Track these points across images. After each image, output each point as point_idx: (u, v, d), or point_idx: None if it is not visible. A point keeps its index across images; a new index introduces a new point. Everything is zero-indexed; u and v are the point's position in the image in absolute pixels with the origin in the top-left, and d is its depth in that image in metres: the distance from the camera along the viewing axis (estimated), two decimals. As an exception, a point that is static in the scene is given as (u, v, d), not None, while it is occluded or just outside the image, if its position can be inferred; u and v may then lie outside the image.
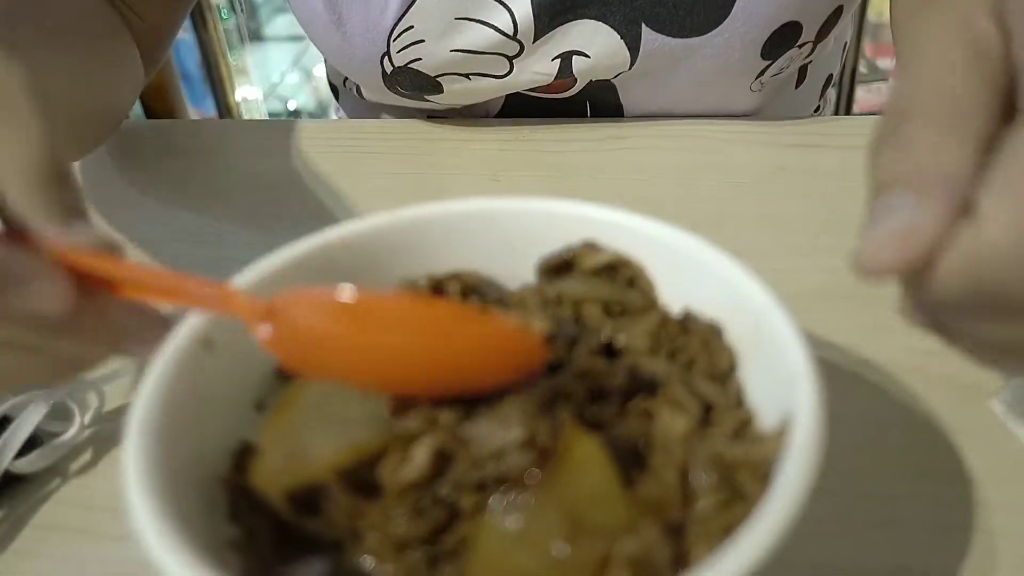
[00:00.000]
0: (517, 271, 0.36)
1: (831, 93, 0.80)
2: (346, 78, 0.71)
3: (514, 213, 0.36)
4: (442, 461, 0.27)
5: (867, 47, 2.03)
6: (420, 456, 0.27)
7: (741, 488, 0.28)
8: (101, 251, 0.28)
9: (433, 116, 0.69)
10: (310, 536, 0.28)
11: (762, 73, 0.62)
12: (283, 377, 0.32)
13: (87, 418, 0.41)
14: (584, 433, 0.28)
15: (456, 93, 0.63)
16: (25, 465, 0.38)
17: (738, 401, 0.32)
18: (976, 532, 0.34)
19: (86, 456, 0.41)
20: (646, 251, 0.34)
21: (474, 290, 0.35)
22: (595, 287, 0.34)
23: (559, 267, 0.35)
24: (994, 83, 0.23)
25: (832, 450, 0.37)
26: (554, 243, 0.35)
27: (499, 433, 0.27)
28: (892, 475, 0.37)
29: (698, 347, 0.32)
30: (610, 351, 0.33)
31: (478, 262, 0.36)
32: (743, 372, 0.32)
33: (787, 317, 0.29)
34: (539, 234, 0.36)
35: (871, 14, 1.89)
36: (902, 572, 0.33)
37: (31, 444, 0.39)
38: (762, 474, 0.27)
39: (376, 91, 0.67)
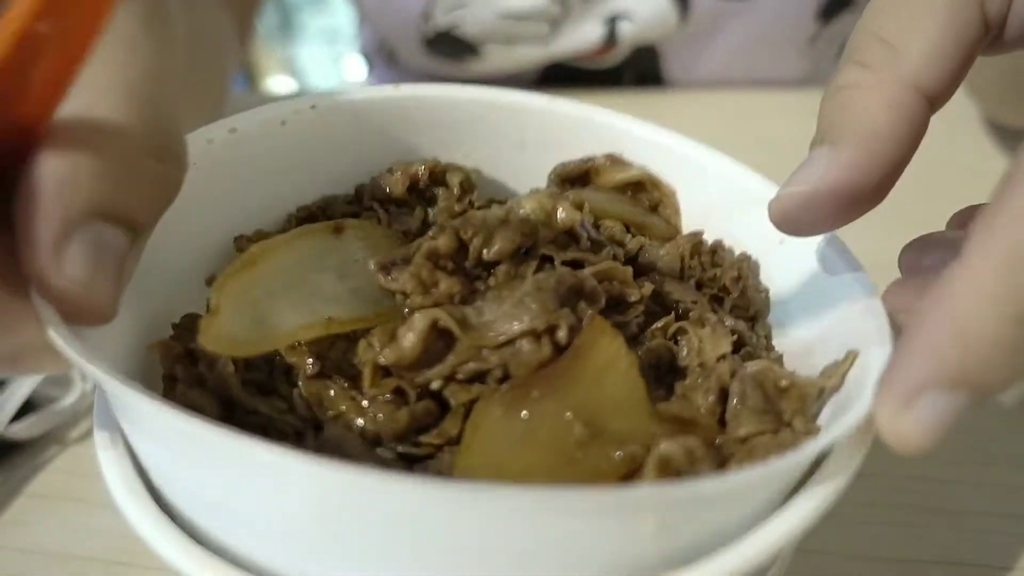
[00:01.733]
0: (528, 174, 0.33)
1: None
2: (381, 44, 0.70)
3: (530, 109, 0.33)
4: (438, 343, 0.23)
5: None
6: (413, 332, 0.22)
7: (786, 417, 0.24)
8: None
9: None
10: (261, 425, 0.23)
11: (815, 38, 0.59)
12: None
13: (88, 385, 0.39)
14: (612, 331, 0.24)
15: (495, 59, 0.61)
16: (20, 431, 0.36)
17: (768, 344, 0.28)
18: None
19: (86, 424, 0.39)
20: (675, 171, 0.31)
21: (471, 190, 0.31)
22: (616, 203, 0.30)
23: (576, 178, 0.32)
24: (968, 24, 0.23)
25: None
26: (570, 151, 0.32)
27: (511, 318, 0.23)
28: (948, 459, 0.34)
29: (730, 282, 0.29)
30: (635, 267, 0.29)
31: (483, 155, 0.33)
32: (784, 306, 0.29)
33: (843, 247, 0.26)
34: (555, 137, 0.32)
35: None
36: (956, 564, 0.30)
37: (28, 410, 0.37)
38: (812, 407, 0.24)
39: (414, 53, 0.65)
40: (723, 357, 0.26)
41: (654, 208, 0.31)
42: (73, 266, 0.19)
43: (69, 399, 0.38)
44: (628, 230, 0.30)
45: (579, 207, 0.28)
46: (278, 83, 2.12)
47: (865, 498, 0.33)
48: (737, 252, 0.30)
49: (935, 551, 0.31)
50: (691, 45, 0.61)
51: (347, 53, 2.27)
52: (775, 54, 0.62)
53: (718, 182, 0.30)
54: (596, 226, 0.29)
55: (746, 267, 0.29)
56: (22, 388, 0.37)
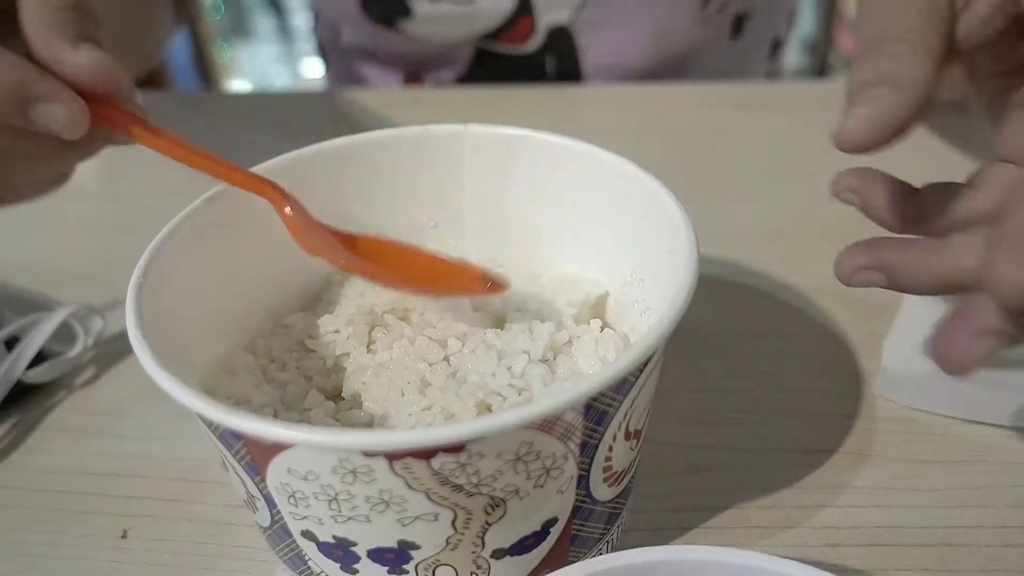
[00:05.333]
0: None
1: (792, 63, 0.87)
2: (332, 32, 0.77)
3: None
4: None
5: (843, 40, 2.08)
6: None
7: None
8: (106, 76, 0.33)
9: (410, 78, 0.74)
10: None
11: (706, 5, 0.69)
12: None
13: (90, 340, 0.46)
14: None
15: (425, 21, 0.69)
16: (35, 375, 0.43)
17: None
18: (862, 419, 0.40)
19: (89, 372, 0.45)
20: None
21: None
22: None
23: None
24: (944, 21, 0.30)
25: (751, 356, 0.43)
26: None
27: None
28: (801, 375, 0.42)
29: None
30: None
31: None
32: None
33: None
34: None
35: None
36: (807, 451, 0.38)
37: (40, 360, 0.44)
38: None
39: (354, 21, 0.73)
40: None
41: None
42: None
43: (74, 351, 0.45)
44: None
45: None
46: (235, 84, 2.16)
47: (737, 406, 0.41)
48: None
49: (791, 441, 0.39)
50: (599, 33, 0.69)
51: (303, 52, 2.32)
52: (671, 24, 0.71)
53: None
54: None
55: None
56: (35, 341, 0.43)
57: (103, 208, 0.60)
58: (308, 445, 0.24)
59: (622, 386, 0.27)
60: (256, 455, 0.26)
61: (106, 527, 0.37)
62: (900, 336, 0.43)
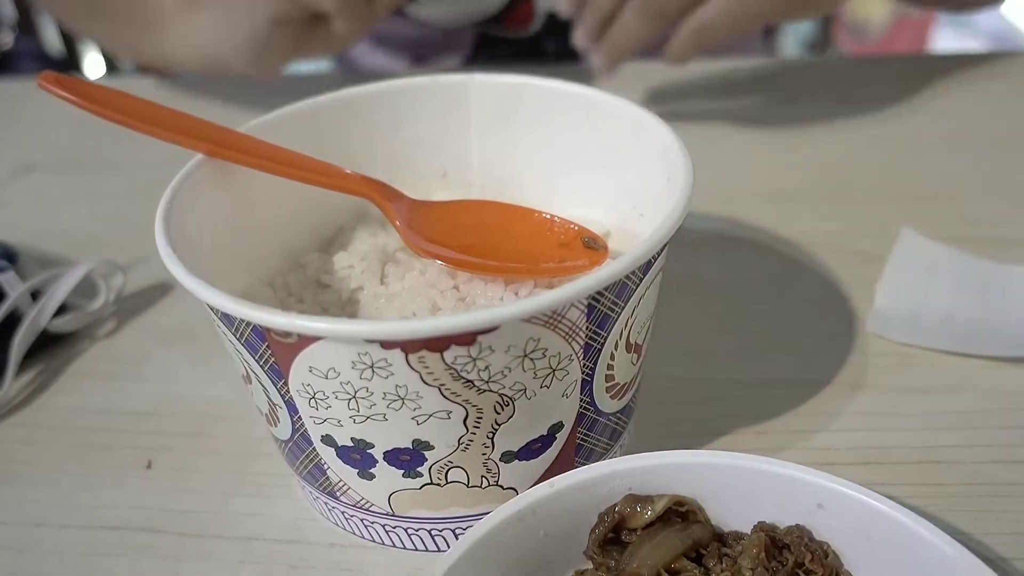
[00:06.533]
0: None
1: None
2: None
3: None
4: None
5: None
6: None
7: None
8: None
9: (416, 64, 0.77)
10: None
11: None
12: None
13: (112, 296, 0.47)
14: None
15: (430, 3, 0.72)
16: (60, 325, 0.45)
17: None
18: (855, 354, 0.42)
19: (111, 324, 0.47)
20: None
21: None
22: (669, 545, 0.29)
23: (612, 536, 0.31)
24: None
25: (748, 300, 0.45)
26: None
27: None
28: (797, 317, 0.44)
29: (805, 556, 0.29)
30: None
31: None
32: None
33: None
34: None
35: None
36: (802, 383, 0.40)
37: (64, 313, 0.46)
38: None
39: None
40: None
41: (684, 517, 0.30)
42: None
43: (96, 304, 0.47)
44: (693, 556, 0.29)
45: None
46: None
47: (732, 347, 0.42)
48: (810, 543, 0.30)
49: (786, 375, 0.40)
50: None
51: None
52: None
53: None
54: None
55: (834, 560, 0.29)
56: (60, 291, 0.45)
57: (124, 180, 0.62)
58: (330, 335, 0.26)
59: (623, 290, 0.29)
60: (280, 356, 0.28)
61: (132, 459, 0.39)
62: (891, 279, 0.45)
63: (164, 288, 0.50)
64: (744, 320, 0.44)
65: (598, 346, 0.30)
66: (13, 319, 0.43)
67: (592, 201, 0.39)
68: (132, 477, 0.38)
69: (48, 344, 0.45)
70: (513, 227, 0.37)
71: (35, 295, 0.45)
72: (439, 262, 0.35)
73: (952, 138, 0.60)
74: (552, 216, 0.37)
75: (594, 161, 0.39)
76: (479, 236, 0.36)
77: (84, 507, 0.36)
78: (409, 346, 0.26)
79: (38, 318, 0.44)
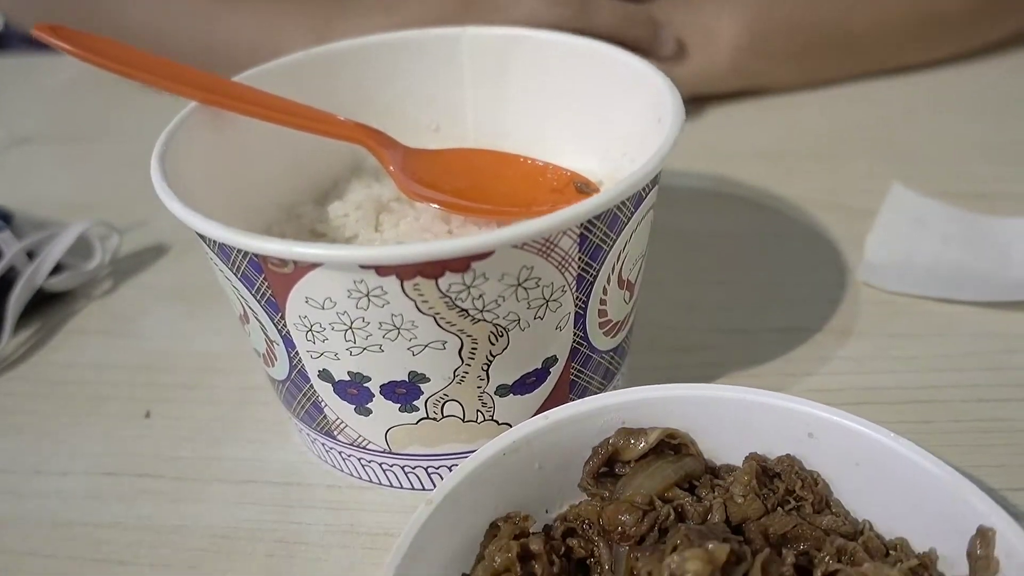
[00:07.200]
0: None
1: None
2: None
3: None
4: None
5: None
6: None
7: None
8: None
9: None
10: None
11: None
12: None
13: (107, 256, 0.48)
14: None
15: None
16: (56, 283, 0.45)
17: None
18: (846, 303, 0.42)
19: (107, 284, 0.48)
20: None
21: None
22: (662, 475, 0.29)
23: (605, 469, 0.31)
24: None
25: (739, 253, 0.45)
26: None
27: None
28: (788, 268, 0.44)
29: (795, 483, 0.29)
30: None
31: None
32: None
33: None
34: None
35: None
36: (793, 329, 0.40)
37: (60, 272, 0.46)
38: None
39: None
40: None
41: (677, 450, 0.30)
42: None
43: (91, 264, 0.47)
44: (686, 487, 0.30)
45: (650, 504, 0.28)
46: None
47: (727, 301, 0.43)
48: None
49: (778, 323, 0.41)
50: None
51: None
52: None
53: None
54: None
55: (823, 488, 0.29)
56: (55, 250, 0.45)
57: (117, 149, 0.62)
58: (326, 260, 0.26)
59: (615, 222, 0.29)
60: (276, 288, 0.28)
61: (131, 409, 0.39)
62: (881, 232, 0.45)
63: (160, 250, 0.50)
64: (736, 272, 0.45)
65: (590, 279, 0.30)
66: (9, 278, 0.44)
67: (585, 151, 0.40)
68: (131, 426, 0.38)
69: (45, 303, 0.46)
70: (506, 173, 0.37)
71: (31, 255, 0.45)
72: (433, 206, 0.35)
73: (942, 97, 0.61)
74: (545, 163, 0.37)
75: (587, 111, 0.39)
76: (472, 181, 0.37)
77: (84, 455, 0.37)
78: (404, 272, 0.26)
79: (34, 276, 0.44)
